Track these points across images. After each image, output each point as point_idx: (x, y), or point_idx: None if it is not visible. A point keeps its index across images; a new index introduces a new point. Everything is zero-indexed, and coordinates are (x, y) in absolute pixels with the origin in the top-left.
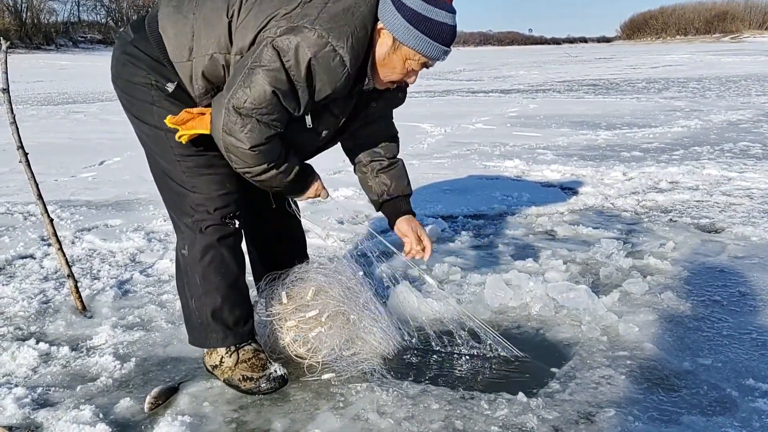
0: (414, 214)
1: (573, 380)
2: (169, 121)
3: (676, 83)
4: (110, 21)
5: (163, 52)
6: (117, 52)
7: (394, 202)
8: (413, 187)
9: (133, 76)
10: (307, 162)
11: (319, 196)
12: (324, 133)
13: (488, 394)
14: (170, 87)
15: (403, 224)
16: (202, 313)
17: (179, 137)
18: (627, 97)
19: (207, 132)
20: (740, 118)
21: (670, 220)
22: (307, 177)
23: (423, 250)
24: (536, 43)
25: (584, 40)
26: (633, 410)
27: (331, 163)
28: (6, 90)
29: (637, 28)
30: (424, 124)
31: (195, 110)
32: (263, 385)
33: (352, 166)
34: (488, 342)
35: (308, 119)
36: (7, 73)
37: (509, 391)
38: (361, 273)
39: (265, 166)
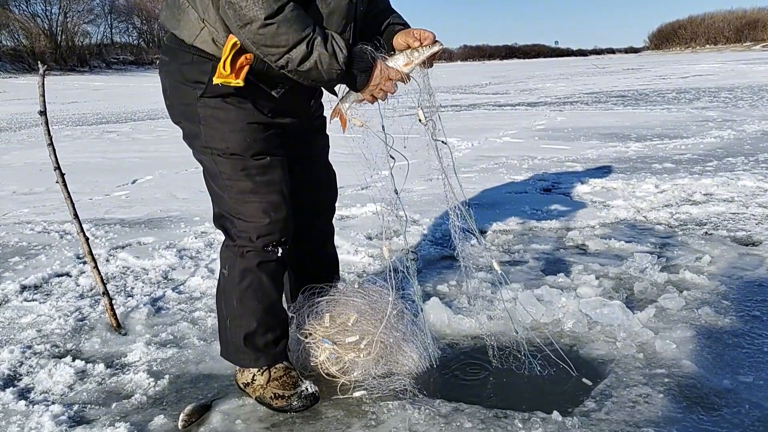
0: None
1: (609, 399)
2: (215, 79)
3: (707, 93)
4: (142, 42)
5: (185, 46)
6: (162, 80)
7: (390, 29)
8: (434, 208)
9: (179, 97)
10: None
11: (390, 80)
12: None
13: (522, 413)
14: (207, 76)
15: (400, 37)
16: (235, 334)
17: (225, 70)
18: (657, 107)
19: (232, 44)
20: None
21: (706, 233)
22: (360, 53)
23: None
24: (562, 55)
25: (612, 51)
26: (672, 430)
27: (358, 178)
28: (43, 112)
29: (665, 38)
30: (450, 138)
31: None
32: (295, 402)
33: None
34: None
35: None
36: (44, 96)
37: (543, 410)
38: (397, 293)
39: (304, 46)
